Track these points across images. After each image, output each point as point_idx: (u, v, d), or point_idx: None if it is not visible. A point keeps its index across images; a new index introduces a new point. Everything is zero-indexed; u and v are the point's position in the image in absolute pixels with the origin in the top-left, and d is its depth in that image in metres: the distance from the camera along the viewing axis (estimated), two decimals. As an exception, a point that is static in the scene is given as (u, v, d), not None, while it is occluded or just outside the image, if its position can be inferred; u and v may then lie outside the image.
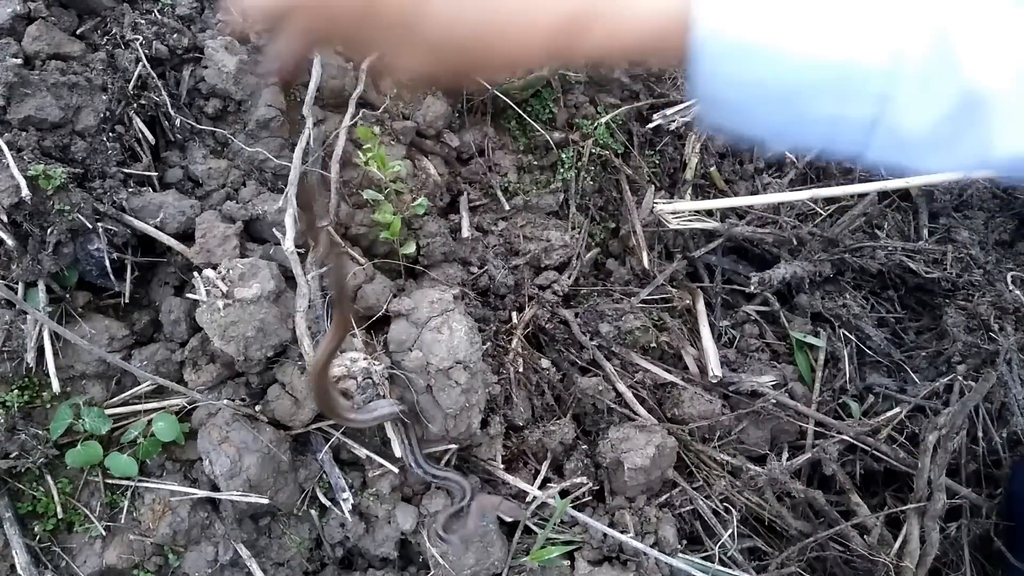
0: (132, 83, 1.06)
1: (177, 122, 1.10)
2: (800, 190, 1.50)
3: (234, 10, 0.53)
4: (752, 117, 0.51)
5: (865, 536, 1.25)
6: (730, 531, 1.24)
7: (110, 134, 1.04)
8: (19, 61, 0.98)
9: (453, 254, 1.28)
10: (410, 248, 1.21)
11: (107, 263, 1.00)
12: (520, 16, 0.48)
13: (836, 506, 1.30)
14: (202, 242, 1.04)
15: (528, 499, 1.18)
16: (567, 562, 1.16)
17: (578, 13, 0.48)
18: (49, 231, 0.95)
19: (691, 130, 1.56)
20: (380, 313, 1.13)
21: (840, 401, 1.44)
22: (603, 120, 1.43)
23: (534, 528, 1.18)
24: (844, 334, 1.48)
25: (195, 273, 1.02)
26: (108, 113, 1.03)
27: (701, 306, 1.45)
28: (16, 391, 0.97)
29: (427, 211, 1.23)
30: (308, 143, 1.11)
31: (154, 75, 1.08)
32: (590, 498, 1.23)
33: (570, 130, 1.46)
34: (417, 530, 1.11)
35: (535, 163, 1.46)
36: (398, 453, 1.08)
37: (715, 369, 1.34)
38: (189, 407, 1.05)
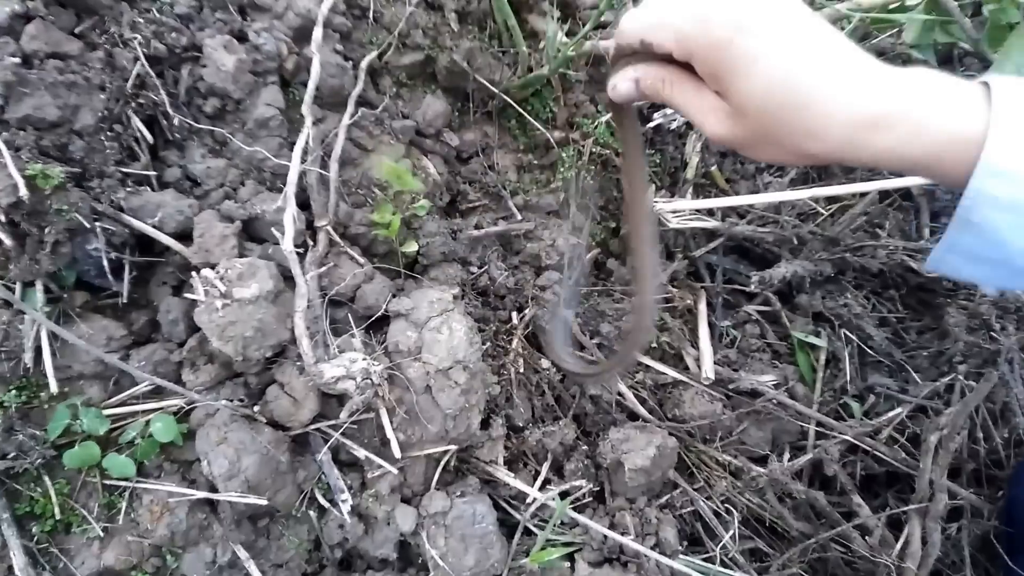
0: (130, 82, 1.06)
1: (176, 121, 1.09)
2: (801, 189, 1.49)
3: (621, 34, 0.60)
4: (1009, 266, 0.50)
5: (867, 537, 1.24)
6: (731, 532, 1.24)
7: (108, 133, 1.04)
8: (17, 60, 0.97)
9: (453, 254, 1.27)
10: (410, 248, 1.21)
11: (105, 263, 0.99)
12: (821, 106, 0.50)
13: (837, 507, 1.30)
14: (200, 242, 1.03)
15: (528, 500, 1.18)
16: (567, 564, 1.16)
17: (873, 118, 0.49)
18: (47, 231, 0.95)
19: (692, 129, 1.56)
20: (379, 313, 1.13)
21: (841, 401, 1.43)
22: (604, 119, 1.43)
23: (534, 529, 1.18)
24: (845, 334, 1.48)
25: (193, 273, 1.01)
26: (106, 112, 1.03)
27: (703, 306, 1.45)
28: (13, 391, 0.96)
29: (428, 211, 1.23)
30: (307, 142, 1.11)
31: (152, 74, 1.08)
32: (590, 499, 1.23)
33: (570, 129, 1.45)
34: (416, 531, 1.10)
35: (535, 162, 1.46)
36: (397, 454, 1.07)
37: (708, 372, 1.34)
38: (187, 408, 1.04)
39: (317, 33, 1.15)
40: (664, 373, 1.34)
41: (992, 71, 1.12)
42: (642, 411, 1.29)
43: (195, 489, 1.01)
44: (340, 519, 1.08)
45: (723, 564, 1.22)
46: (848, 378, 1.44)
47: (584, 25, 1.31)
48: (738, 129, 0.55)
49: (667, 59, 0.57)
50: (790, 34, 0.50)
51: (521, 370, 1.26)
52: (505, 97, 1.36)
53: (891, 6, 1.18)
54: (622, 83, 0.61)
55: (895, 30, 1.58)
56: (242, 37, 1.14)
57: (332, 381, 0.99)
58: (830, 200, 1.60)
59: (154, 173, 1.09)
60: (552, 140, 1.41)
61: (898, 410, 1.39)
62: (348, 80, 1.21)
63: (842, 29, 1.52)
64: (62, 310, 1.01)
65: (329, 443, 1.08)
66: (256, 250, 1.08)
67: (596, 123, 1.43)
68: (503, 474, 1.19)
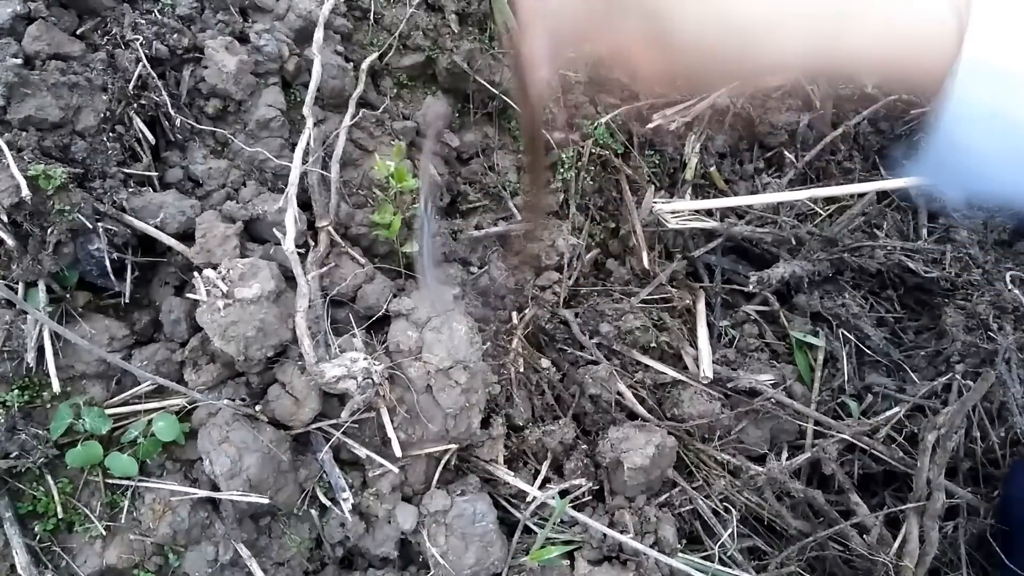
0: (132, 83, 1.06)
1: (177, 122, 1.10)
2: (799, 190, 1.50)
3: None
4: (1000, 169, 0.43)
5: (864, 535, 1.25)
6: (730, 531, 1.24)
7: (110, 134, 1.04)
8: (19, 61, 0.98)
9: (453, 254, 1.28)
10: (411, 248, 1.22)
11: (107, 263, 1.00)
12: (766, 33, 0.44)
13: (835, 505, 1.30)
14: (202, 242, 1.04)
15: (528, 499, 1.18)
16: (567, 562, 1.16)
17: (831, 24, 0.43)
18: (49, 231, 0.95)
19: (691, 130, 1.57)
20: (380, 313, 1.13)
21: (839, 400, 1.44)
22: (603, 120, 1.44)
23: (534, 528, 1.18)
24: (843, 333, 1.48)
25: (195, 273, 1.02)
26: (108, 113, 1.03)
27: (701, 306, 1.45)
28: (16, 391, 0.97)
29: (427, 211, 1.23)
30: (308, 143, 1.11)
31: (154, 75, 1.08)
32: (590, 498, 1.23)
33: (570, 130, 1.46)
34: (417, 529, 1.11)
35: (535, 163, 1.46)
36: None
37: (707, 371, 1.34)
38: (189, 407, 1.05)
39: (318, 34, 1.16)
40: (663, 372, 1.35)
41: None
42: (641, 410, 1.30)
43: (197, 488, 1.02)
44: (341, 517, 1.08)
45: (722, 562, 1.22)
46: (846, 377, 1.45)
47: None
48: (674, 74, 0.49)
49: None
50: None
51: (521, 370, 1.27)
52: (505, 98, 1.36)
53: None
54: (536, 44, 0.51)
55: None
56: (243, 38, 1.15)
57: (333, 381, 0.99)
58: (828, 201, 1.61)
59: (156, 174, 1.10)
60: (552, 141, 1.42)
61: (896, 409, 1.39)
62: (349, 81, 1.22)
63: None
64: (64, 310, 1.02)
65: (330, 442, 1.08)
66: (258, 250, 1.09)
67: (596, 124, 1.44)
68: (503, 473, 1.19)
